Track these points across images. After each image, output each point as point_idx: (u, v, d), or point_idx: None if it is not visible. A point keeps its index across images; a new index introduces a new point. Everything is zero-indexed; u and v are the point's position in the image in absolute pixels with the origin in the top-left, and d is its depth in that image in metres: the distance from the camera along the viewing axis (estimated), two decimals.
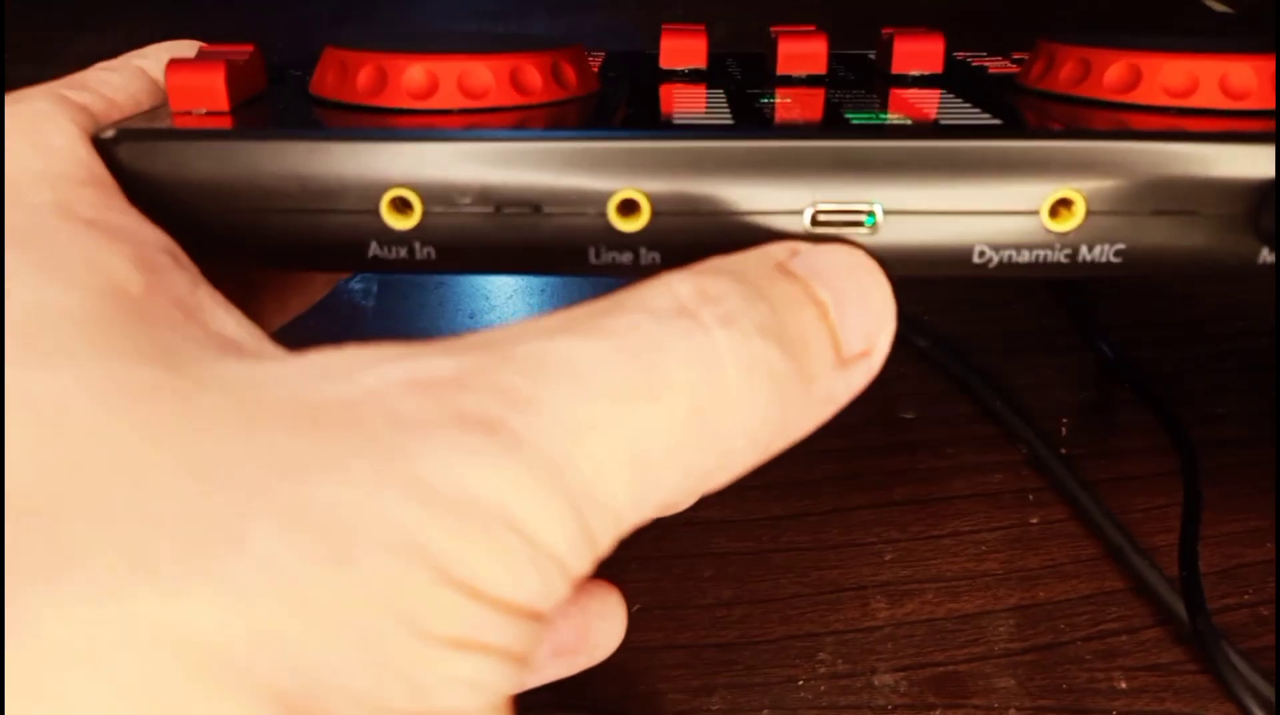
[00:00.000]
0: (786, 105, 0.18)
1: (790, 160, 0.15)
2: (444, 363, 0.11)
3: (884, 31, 0.23)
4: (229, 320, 0.12)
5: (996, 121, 0.16)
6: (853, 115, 0.16)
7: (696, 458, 0.12)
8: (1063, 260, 0.15)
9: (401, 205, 0.15)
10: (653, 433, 0.11)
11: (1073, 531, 0.25)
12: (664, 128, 0.16)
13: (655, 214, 0.15)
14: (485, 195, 0.15)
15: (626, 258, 0.15)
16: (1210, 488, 0.25)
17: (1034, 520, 0.25)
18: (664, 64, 0.22)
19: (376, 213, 0.15)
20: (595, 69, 0.22)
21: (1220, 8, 0.54)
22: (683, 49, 0.22)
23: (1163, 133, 0.15)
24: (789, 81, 0.21)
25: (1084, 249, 0.15)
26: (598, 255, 0.15)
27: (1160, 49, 0.17)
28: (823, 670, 0.22)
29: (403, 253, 0.15)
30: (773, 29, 0.22)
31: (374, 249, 0.15)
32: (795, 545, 0.25)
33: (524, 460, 0.10)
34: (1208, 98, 0.16)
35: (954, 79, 0.21)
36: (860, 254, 0.14)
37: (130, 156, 0.15)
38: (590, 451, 0.11)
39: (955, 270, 0.15)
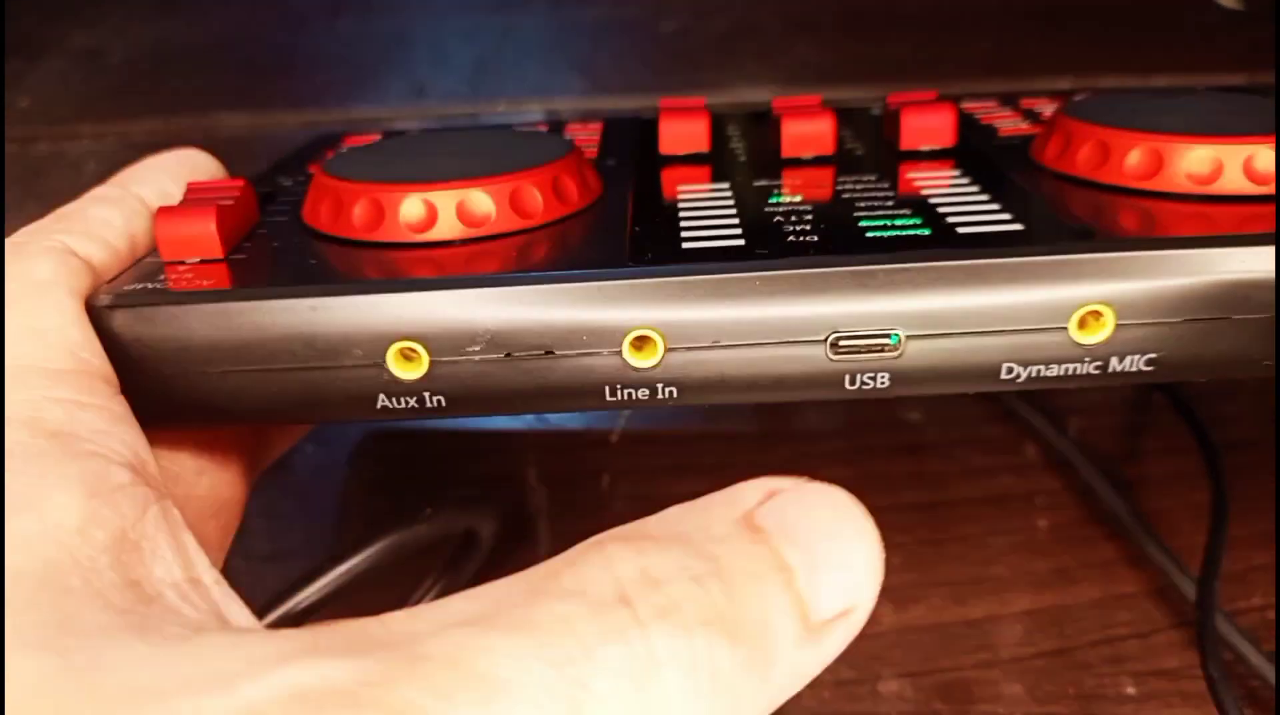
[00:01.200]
0: (797, 209, 0.17)
1: (807, 287, 0.14)
2: (340, 669, 0.09)
3: (890, 101, 0.22)
4: (163, 559, 0.12)
5: (1018, 227, 0.15)
6: (868, 223, 0.16)
7: None
8: (1092, 372, 0.14)
9: (409, 354, 0.14)
10: None
11: (1081, 535, 0.25)
12: (674, 258, 0.15)
13: (669, 349, 0.14)
14: (495, 342, 0.14)
15: (643, 394, 0.15)
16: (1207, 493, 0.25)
17: (1041, 523, 0.25)
18: (664, 150, 0.21)
19: (384, 365, 0.14)
20: (592, 155, 0.21)
21: (1231, 5, 0.54)
22: (683, 134, 0.21)
23: (1194, 239, 0.14)
24: (796, 164, 0.20)
25: (1114, 360, 0.14)
26: (614, 393, 0.15)
27: (1182, 132, 0.16)
28: (827, 676, 0.21)
29: (412, 402, 0.15)
30: (776, 105, 0.22)
31: (382, 401, 0.15)
32: None
33: None
34: (1232, 183, 0.16)
35: (965, 155, 0.20)
36: (842, 498, 0.12)
37: (126, 323, 0.14)
38: None
39: (981, 386, 0.15)
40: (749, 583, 0.11)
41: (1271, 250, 0.14)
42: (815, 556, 0.12)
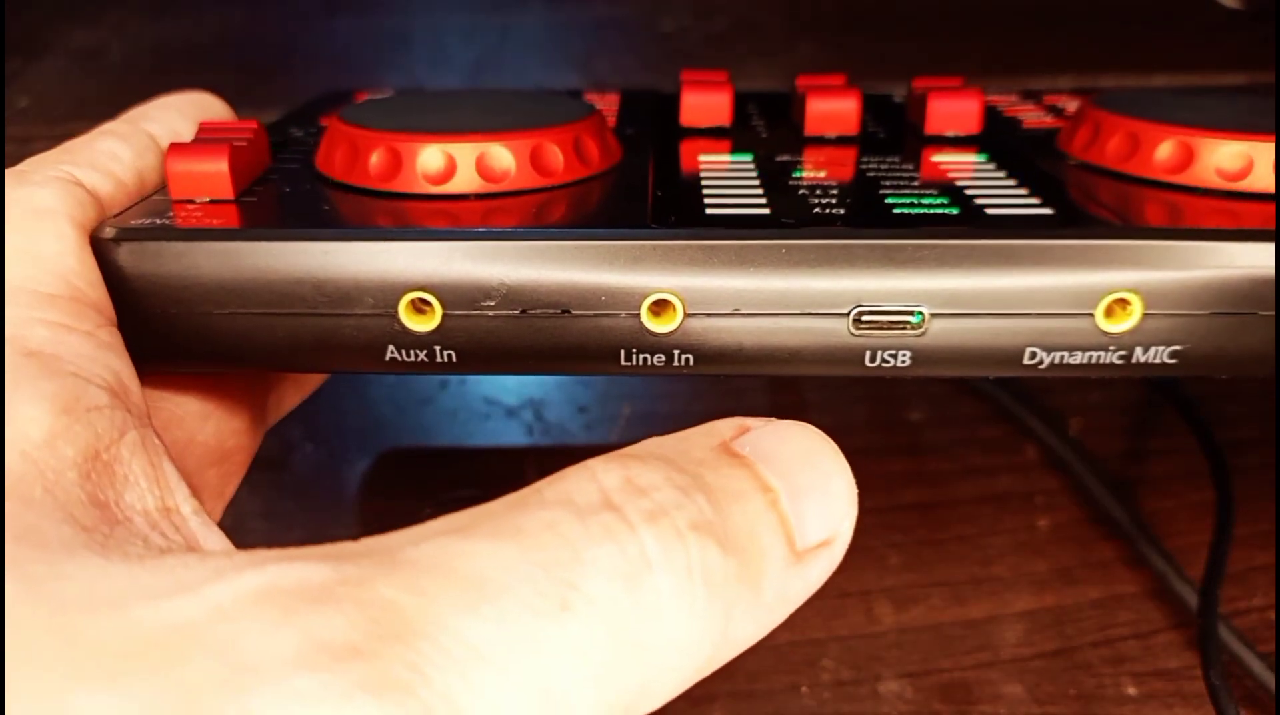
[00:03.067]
0: (822, 184, 0.17)
1: (833, 259, 0.14)
2: (314, 571, 0.09)
3: (916, 85, 0.21)
4: (137, 485, 0.11)
5: (1048, 211, 0.15)
6: (895, 201, 0.16)
7: (620, 683, 0.10)
8: (1116, 362, 0.14)
9: (421, 306, 0.14)
10: (566, 660, 0.09)
11: (1081, 535, 0.25)
12: (698, 223, 0.15)
13: (688, 315, 0.14)
14: (511, 298, 0.14)
15: (659, 360, 0.14)
16: (1212, 492, 0.25)
17: (1042, 523, 0.25)
18: (685, 122, 0.21)
19: (395, 316, 0.14)
20: (611, 124, 0.21)
21: (1231, 4, 0.54)
22: (705, 106, 0.21)
23: (1226, 232, 0.14)
24: (819, 142, 0.20)
25: (1139, 351, 0.14)
26: (629, 357, 0.14)
27: (1213, 127, 0.16)
28: (826, 677, 0.21)
29: (422, 356, 0.15)
30: (799, 82, 0.21)
31: (391, 352, 0.14)
32: None
33: (391, 709, 0.08)
34: (1262, 181, 0.16)
35: (991, 141, 0.20)
36: (816, 434, 0.13)
37: (131, 257, 0.14)
38: (486, 689, 0.09)
39: (1004, 370, 0.14)
40: (734, 500, 0.11)
41: None
42: (796, 482, 0.12)
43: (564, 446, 0.28)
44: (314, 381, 0.22)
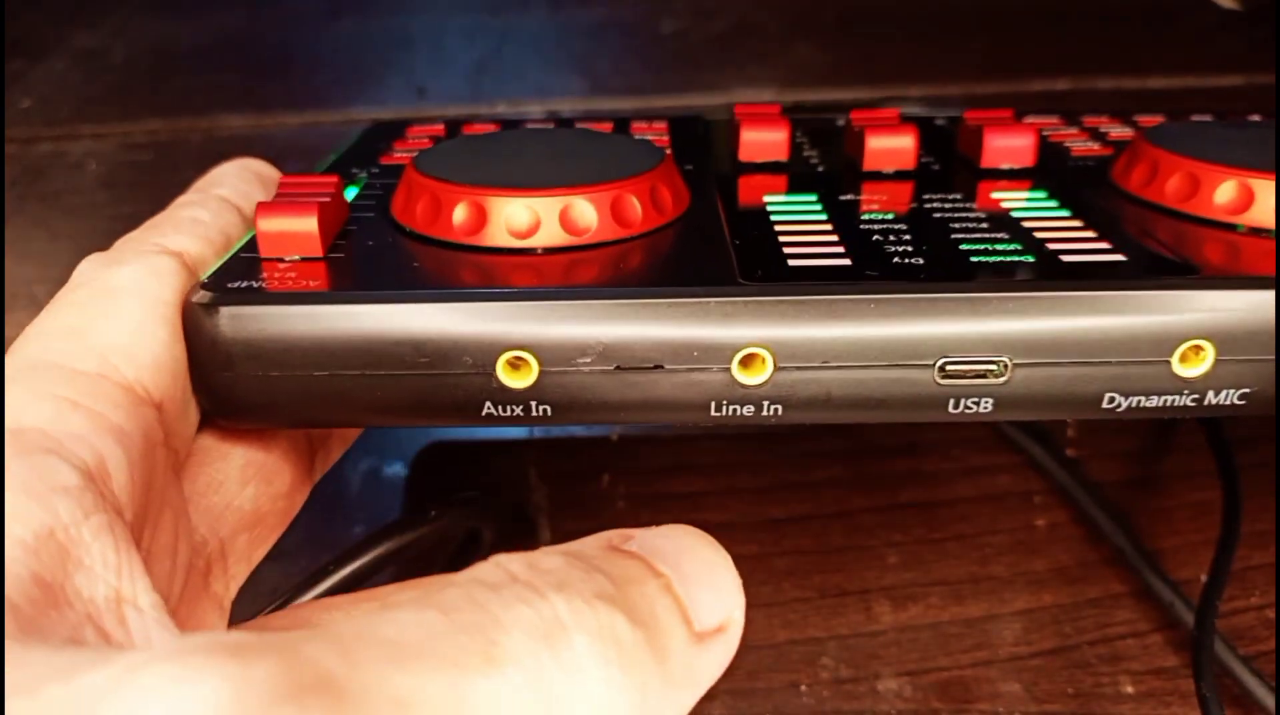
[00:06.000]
0: (893, 228, 0.17)
1: (919, 312, 0.14)
2: (241, 635, 0.09)
3: (968, 118, 0.22)
4: (91, 571, 0.11)
5: (1120, 257, 0.15)
6: (970, 248, 0.16)
7: None
8: (1189, 404, 0.15)
9: (518, 363, 0.14)
10: (493, 713, 0.09)
11: (1079, 534, 0.25)
12: (784, 276, 0.15)
13: (778, 368, 0.14)
14: (607, 354, 0.14)
15: (749, 411, 0.15)
16: (1216, 491, 0.25)
17: (1040, 522, 0.25)
18: (743, 157, 0.21)
19: (493, 373, 0.14)
20: (665, 144, 0.21)
21: (1229, 5, 0.54)
22: (763, 143, 0.21)
23: None
24: (878, 177, 0.20)
25: (1210, 394, 0.15)
26: (719, 408, 0.15)
27: (1271, 168, 0.17)
28: (826, 675, 0.22)
29: (518, 411, 0.15)
30: (854, 118, 0.22)
31: (488, 408, 0.15)
32: (797, 549, 0.24)
33: None
34: None
35: (1046, 175, 0.20)
36: (697, 532, 0.13)
37: (229, 322, 0.14)
38: None
39: (1082, 414, 0.15)
40: (631, 583, 0.12)
41: None
42: (684, 570, 0.12)
43: (565, 439, 0.28)
44: (349, 440, 0.21)
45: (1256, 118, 0.24)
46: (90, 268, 0.15)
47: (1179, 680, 0.21)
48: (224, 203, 0.17)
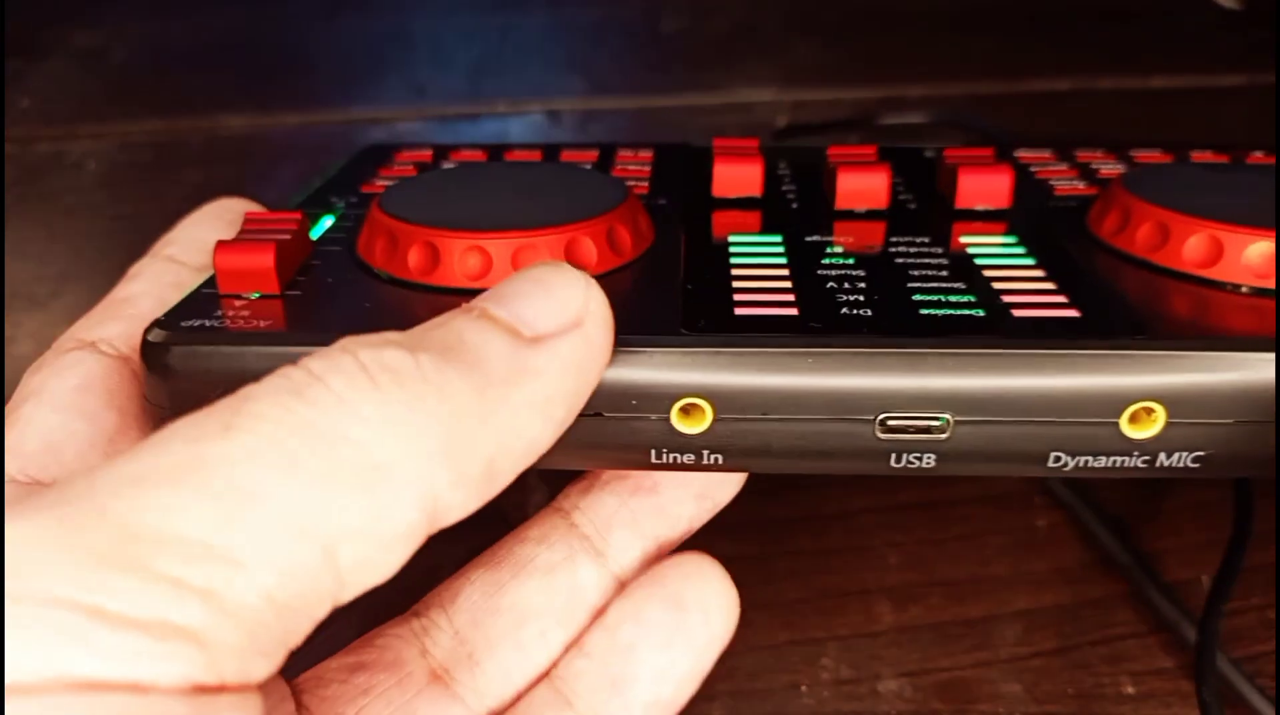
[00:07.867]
0: (850, 275, 0.17)
1: (858, 366, 0.14)
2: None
3: (947, 156, 0.22)
4: None
5: (1073, 313, 0.15)
6: (922, 298, 0.16)
7: (312, 472, 0.11)
8: (1140, 466, 0.14)
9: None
10: (240, 467, 0.10)
11: (1079, 534, 0.25)
12: (727, 327, 0.15)
13: (718, 418, 0.15)
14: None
15: (689, 458, 0.15)
16: (1216, 491, 0.25)
17: (1040, 523, 0.25)
18: (717, 192, 0.21)
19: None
20: (644, 190, 0.21)
21: (1229, 5, 0.54)
22: (737, 178, 0.21)
23: (1248, 341, 0.14)
24: (849, 217, 0.20)
25: (1162, 456, 0.14)
26: (659, 456, 0.15)
27: (1243, 220, 0.16)
28: (826, 676, 0.21)
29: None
30: (831, 155, 0.21)
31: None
32: (798, 549, 0.24)
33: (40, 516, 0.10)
34: None
35: (1021, 219, 0.20)
36: (536, 265, 0.14)
37: (181, 360, 0.15)
38: (158, 500, 0.10)
39: (1028, 471, 0.15)
40: (433, 327, 0.13)
41: None
42: (502, 293, 0.13)
43: None
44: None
45: (1259, 155, 0.24)
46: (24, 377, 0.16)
47: (1180, 680, 0.21)
48: (169, 263, 0.18)
